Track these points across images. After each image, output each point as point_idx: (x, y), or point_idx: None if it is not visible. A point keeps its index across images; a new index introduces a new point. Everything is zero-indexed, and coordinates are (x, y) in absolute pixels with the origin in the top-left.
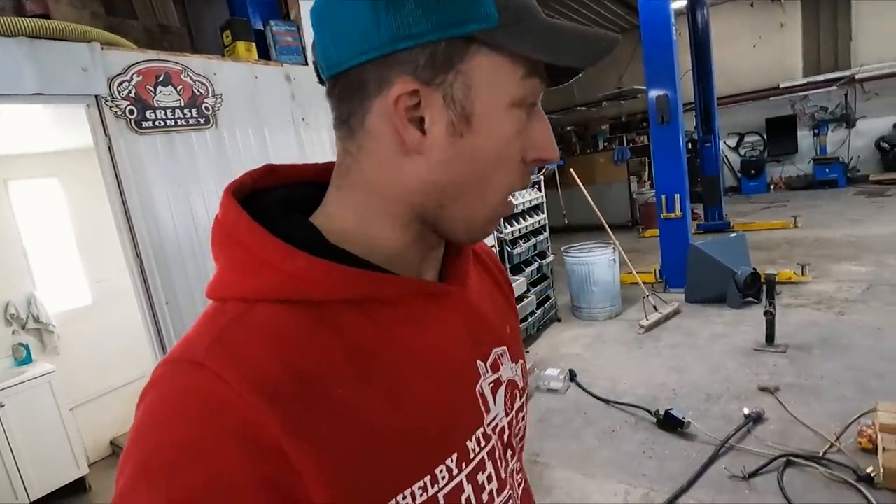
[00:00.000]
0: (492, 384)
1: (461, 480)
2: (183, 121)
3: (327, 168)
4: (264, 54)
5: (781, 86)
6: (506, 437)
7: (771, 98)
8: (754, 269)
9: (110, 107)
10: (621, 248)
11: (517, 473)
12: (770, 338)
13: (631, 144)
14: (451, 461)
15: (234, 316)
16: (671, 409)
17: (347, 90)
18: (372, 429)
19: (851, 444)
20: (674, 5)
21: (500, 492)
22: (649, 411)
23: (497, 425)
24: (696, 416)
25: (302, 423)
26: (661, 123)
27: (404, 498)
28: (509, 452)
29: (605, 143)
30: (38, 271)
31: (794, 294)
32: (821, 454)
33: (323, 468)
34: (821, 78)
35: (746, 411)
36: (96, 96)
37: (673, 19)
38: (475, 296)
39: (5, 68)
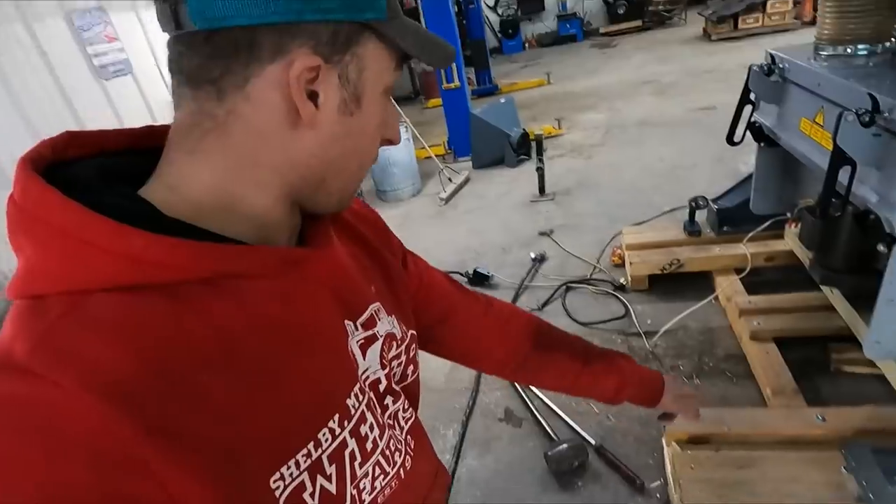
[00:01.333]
0: (361, 341)
1: (344, 437)
2: None
3: (147, 133)
4: None
5: None
6: (382, 386)
7: None
8: (524, 129)
9: None
10: (410, 122)
11: (405, 411)
12: (542, 189)
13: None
14: (334, 422)
15: (62, 311)
16: (478, 267)
17: (227, 48)
18: (245, 413)
19: (608, 264)
20: None
21: (381, 436)
22: (461, 273)
23: (368, 378)
24: (496, 267)
25: (163, 421)
26: None
27: (288, 468)
28: (389, 398)
29: None
30: None
31: (555, 146)
32: (589, 276)
33: (193, 465)
34: None
35: (533, 255)
36: None
37: None
38: (339, 257)
39: None
